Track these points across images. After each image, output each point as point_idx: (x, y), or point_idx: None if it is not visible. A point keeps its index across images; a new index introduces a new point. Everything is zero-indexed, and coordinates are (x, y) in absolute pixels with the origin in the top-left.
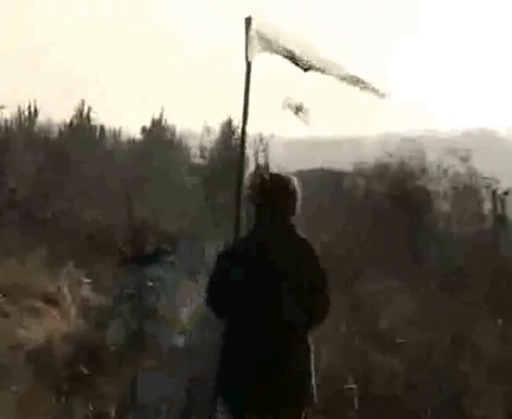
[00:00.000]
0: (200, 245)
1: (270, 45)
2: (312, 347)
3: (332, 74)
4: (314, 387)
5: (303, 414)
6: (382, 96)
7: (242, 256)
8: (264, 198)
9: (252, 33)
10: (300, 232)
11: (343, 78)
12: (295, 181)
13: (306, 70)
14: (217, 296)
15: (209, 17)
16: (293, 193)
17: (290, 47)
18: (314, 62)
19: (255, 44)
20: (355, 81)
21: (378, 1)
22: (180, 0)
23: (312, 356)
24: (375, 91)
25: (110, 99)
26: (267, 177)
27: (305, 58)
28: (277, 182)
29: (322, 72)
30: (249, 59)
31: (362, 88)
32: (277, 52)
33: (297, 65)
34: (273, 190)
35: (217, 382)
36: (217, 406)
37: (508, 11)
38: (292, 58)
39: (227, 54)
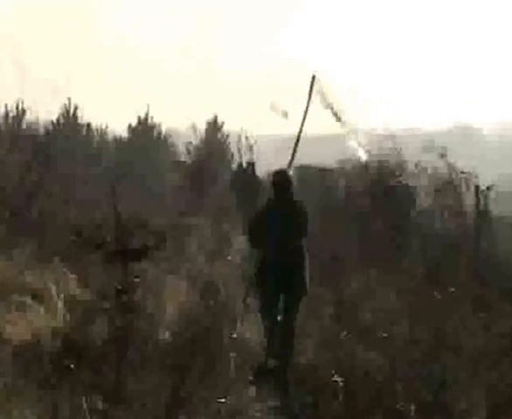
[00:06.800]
0: (185, 240)
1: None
2: (306, 252)
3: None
4: (307, 280)
5: (300, 300)
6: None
7: (267, 212)
8: (276, 183)
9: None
10: (296, 198)
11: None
12: (290, 172)
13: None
14: (254, 235)
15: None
16: (290, 179)
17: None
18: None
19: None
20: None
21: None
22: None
23: (306, 256)
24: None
25: (96, 98)
26: (276, 172)
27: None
28: (281, 174)
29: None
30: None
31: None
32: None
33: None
34: (280, 179)
35: (256, 279)
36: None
37: (492, 9)
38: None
39: (213, 55)
